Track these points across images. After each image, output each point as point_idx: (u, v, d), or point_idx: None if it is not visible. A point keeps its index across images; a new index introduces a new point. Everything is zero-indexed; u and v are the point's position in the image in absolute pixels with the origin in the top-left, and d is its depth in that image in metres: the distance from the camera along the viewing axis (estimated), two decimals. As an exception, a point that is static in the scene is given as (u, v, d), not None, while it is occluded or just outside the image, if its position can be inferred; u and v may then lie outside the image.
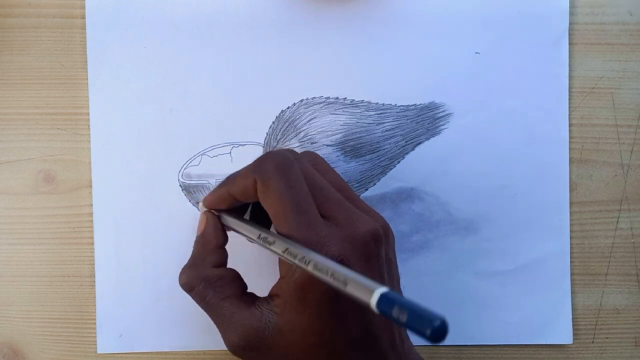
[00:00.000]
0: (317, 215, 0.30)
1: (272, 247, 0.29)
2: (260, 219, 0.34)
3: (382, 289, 0.22)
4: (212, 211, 0.34)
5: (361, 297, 0.23)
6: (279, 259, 0.30)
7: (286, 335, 0.29)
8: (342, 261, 0.28)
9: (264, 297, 0.31)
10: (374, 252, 0.30)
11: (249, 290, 0.32)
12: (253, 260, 0.38)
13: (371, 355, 0.30)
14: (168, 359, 0.39)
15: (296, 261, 0.27)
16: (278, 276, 0.30)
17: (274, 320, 0.29)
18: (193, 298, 0.32)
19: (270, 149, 0.39)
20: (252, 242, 0.31)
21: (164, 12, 0.39)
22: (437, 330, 0.20)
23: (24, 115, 0.39)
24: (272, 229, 0.32)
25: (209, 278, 0.31)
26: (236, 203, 0.33)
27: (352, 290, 0.24)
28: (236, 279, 0.32)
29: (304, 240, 0.28)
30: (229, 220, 0.33)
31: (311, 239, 0.28)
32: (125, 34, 0.39)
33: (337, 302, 0.29)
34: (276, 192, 0.29)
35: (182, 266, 0.33)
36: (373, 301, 0.22)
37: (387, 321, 0.30)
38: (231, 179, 0.32)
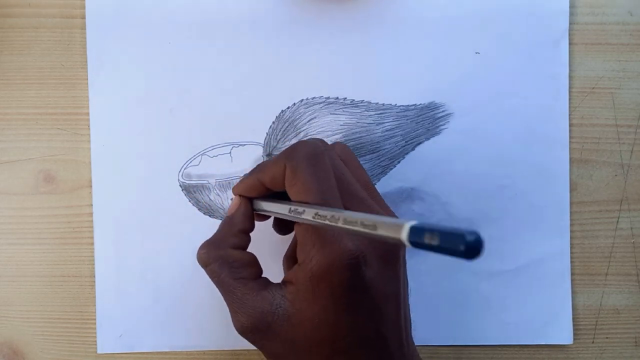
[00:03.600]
0: (341, 207, 0.29)
1: (304, 216, 0.29)
2: (282, 222, 0.35)
3: (411, 222, 0.22)
4: (245, 197, 0.34)
5: (393, 235, 0.22)
6: (298, 246, 0.30)
7: (294, 323, 0.29)
8: (357, 257, 0.28)
9: (277, 283, 0.31)
10: (394, 254, 0.30)
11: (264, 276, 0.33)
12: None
13: (378, 355, 0.30)
14: (168, 359, 0.39)
15: (327, 222, 0.27)
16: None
17: (285, 306, 0.29)
18: (207, 273, 0.32)
19: (271, 149, 0.39)
20: (285, 217, 0.31)
21: (164, 12, 0.39)
22: (471, 245, 0.19)
23: (24, 115, 0.39)
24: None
25: (226, 257, 0.31)
26: (265, 192, 0.33)
27: (383, 231, 0.23)
28: (253, 263, 0.32)
29: (322, 231, 0.28)
30: (260, 204, 0.33)
31: (328, 232, 0.28)
32: (125, 34, 0.39)
33: (350, 297, 0.29)
34: (303, 180, 0.29)
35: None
36: (404, 236, 0.22)
37: (397, 322, 0.30)
38: (262, 166, 0.33)
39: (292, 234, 0.35)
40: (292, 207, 0.30)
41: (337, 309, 0.29)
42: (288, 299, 0.29)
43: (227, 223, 0.33)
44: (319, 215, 0.27)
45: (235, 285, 0.31)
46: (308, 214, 0.28)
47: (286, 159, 0.30)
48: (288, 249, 0.35)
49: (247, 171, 0.39)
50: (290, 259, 0.34)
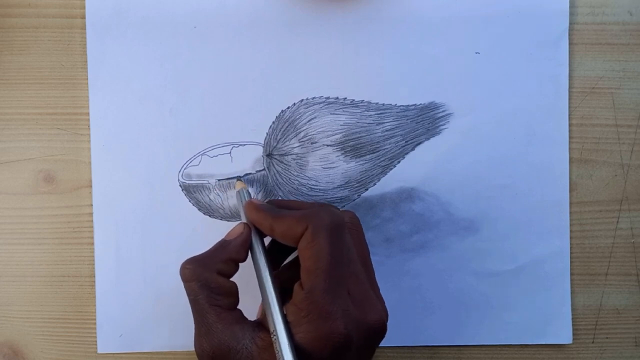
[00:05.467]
0: (344, 287, 0.30)
1: (269, 310, 0.30)
2: (275, 255, 0.35)
3: None
4: (252, 227, 0.33)
5: None
6: (290, 304, 0.30)
7: None
8: (345, 341, 0.28)
9: (252, 322, 0.31)
10: (376, 343, 0.30)
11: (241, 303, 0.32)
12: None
13: None
14: (168, 359, 0.39)
15: (272, 334, 0.29)
16: None
17: (251, 349, 0.29)
18: (185, 288, 0.31)
19: (271, 149, 0.39)
20: (257, 274, 0.32)
21: (164, 12, 0.39)
22: None
23: (24, 115, 0.39)
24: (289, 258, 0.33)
25: (209, 281, 0.31)
26: (270, 235, 0.33)
27: None
28: (233, 293, 0.32)
29: (322, 302, 0.28)
30: (256, 254, 0.33)
31: (327, 306, 0.28)
32: (125, 34, 0.39)
33: None
34: (321, 248, 0.29)
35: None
36: None
37: None
38: (280, 216, 0.32)
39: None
40: (267, 291, 0.31)
41: None
42: (257, 345, 0.29)
43: (222, 247, 0.32)
44: (273, 323, 0.29)
45: (210, 311, 0.30)
46: (271, 316, 0.29)
47: (309, 221, 0.30)
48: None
49: (247, 171, 0.39)
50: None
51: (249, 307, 0.32)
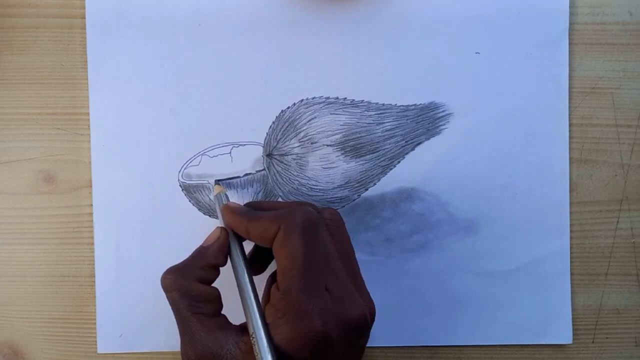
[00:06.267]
0: (322, 285, 0.29)
1: (248, 312, 0.30)
2: (258, 259, 0.35)
3: None
4: (229, 232, 0.33)
5: None
6: (268, 307, 0.30)
7: None
8: (324, 340, 0.28)
9: (235, 327, 0.31)
10: (360, 342, 0.30)
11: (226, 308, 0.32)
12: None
13: None
14: (168, 359, 0.39)
15: (251, 337, 0.29)
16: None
17: (235, 354, 0.29)
18: (167, 298, 0.31)
19: (270, 149, 0.39)
20: (236, 279, 0.32)
21: (164, 12, 0.39)
22: None
23: (24, 115, 0.39)
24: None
25: (189, 289, 0.31)
26: (247, 238, 0.32)
27: None
28: (215, 299, 0.32)
29: (298, 302, 0.28)
30: (234, 256, 0.33)
31: (303, 305, 0.28)
32: (125, 34, 0.39)
33: None
34: (293, 247, 0.29)
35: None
36: None
37: None
38: (255, 217, 0.32)
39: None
40: (246, 294, 0.31)
41: None
42: (240, 349, 0.29)
43: (200, 253, 0.32)
44: (253, 327, 0.29)
45: (192, 319, 0.30)
46: (250, 319, 0.30)
47: (282, 220, 0.30)
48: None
49: (247, 171, 0.39)
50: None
51: (236, 311, 0.32)
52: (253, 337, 0.29)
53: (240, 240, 0.33)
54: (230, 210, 0.33)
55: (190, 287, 0.31)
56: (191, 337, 0.30)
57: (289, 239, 0.30)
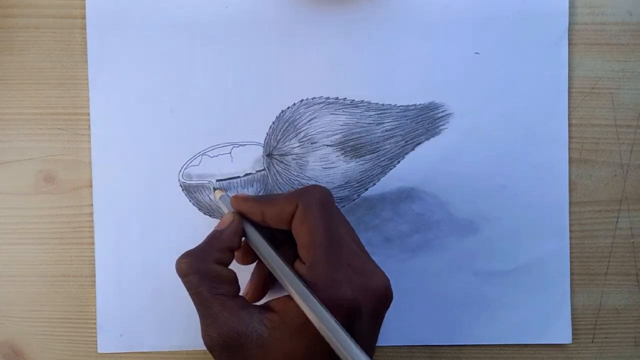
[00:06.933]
0: (345, 257, 0.30)
1: (286, 280, 0.30)
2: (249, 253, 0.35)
3: None
4: (240, 215, 0.34)
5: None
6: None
7: (267, 350, 0.29)
8: (353, 307, 0.28)
9: (258, 306, 0.31)
10: (382, 312, 0.31)
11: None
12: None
13: None
14: (168, 359, 0.39)
15: (302, 301, 0.29)
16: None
17: (260, 331, 0.29)
18: (184, 283, 0.31)
19: (271, 149, 0.39)
20: (261, 258, 0.32)
21: (164, 13, 0.39)
22: None
23: (24, 115, 0.39)
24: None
25: (208, 272, 0.31)
26: (261, 223, 0.33)
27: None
28: (233, 281, 0.32)
29: (327, 272, 0.29)
30: (252, 235, 0.33)
31: (331, 274, 0.29)
32: (125, 34, 0.39)
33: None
34: (317, 222, 0.30)
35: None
36: None
37: None
38: (269, 199, 0.32)
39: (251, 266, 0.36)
40: (276, 266, 0.31)
41: (321, 353, 0.29)
42: (267, 326, 0.29)
43: (215, 237, 0.33)
44: (297, 291, 0.29)
45: (213, 301, 0.30)
46: (287, 275, 0.30)
47: (299, 198, 0.31)
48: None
49: (247, 171, 0.39)
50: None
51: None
52: (299, 299, 0.29)
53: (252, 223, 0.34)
54: (241, 199, 0.34)
55: (209, 269, 0.31)
56: (214, 319, 0.30)
57: (308, 214, 0.30)
